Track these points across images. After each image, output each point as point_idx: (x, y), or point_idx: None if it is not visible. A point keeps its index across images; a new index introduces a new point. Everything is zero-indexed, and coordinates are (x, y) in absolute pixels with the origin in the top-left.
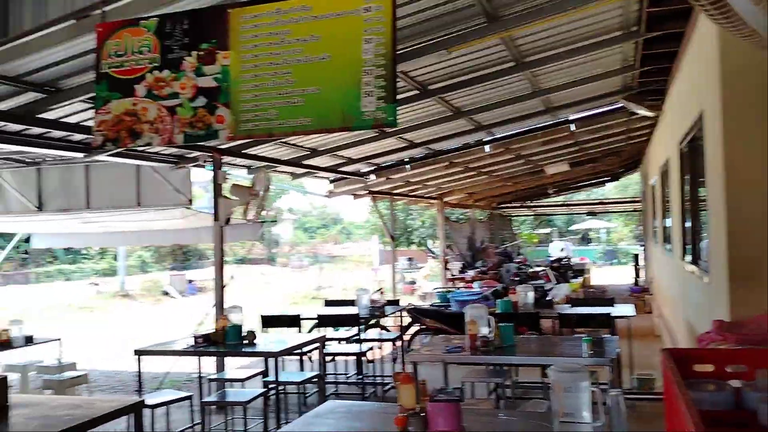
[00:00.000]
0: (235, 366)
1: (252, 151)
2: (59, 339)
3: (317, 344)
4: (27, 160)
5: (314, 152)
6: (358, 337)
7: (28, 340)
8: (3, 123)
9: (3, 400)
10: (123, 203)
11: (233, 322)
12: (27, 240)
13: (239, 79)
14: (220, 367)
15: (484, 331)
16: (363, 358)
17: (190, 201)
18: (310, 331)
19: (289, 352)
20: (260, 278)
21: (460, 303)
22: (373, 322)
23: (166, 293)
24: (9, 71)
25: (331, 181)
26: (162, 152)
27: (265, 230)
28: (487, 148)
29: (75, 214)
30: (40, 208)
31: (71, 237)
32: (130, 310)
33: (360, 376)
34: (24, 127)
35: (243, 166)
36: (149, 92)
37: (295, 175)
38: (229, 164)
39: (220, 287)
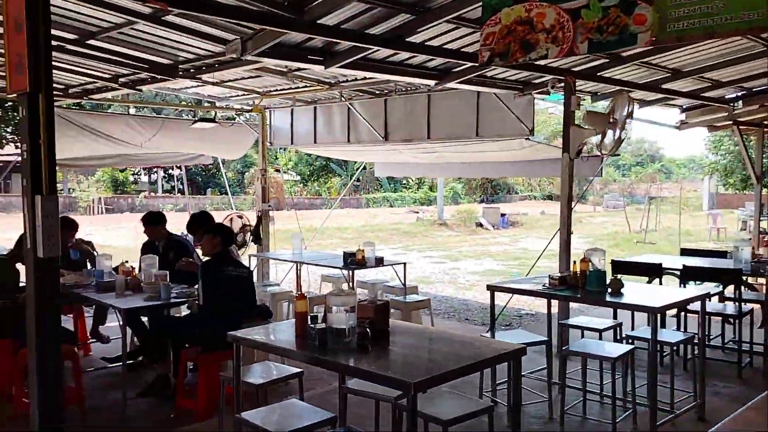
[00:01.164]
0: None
1: (606, 73)
2: (405, 263)
3: (698, 301)
4: (377, 91)
5: (676, 74)
6: (737, 296)
7: (379, 261)
8: (374, 48)
9: (385, 325)
10: (462, 133)
11: (594, 266)
12: (363, 168)
13: None
14: (564, 312)
15: None
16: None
17: (531, 131)
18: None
19: (673, 307)
20: (572, 217)
21: None
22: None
23: (479, 225)
24: None
25: (684, 110)
26: (508, 78)
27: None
28: None
29: (416, 144)
30: (386, 137)
31: (410, 167)
32: (449, 238)
33: (736, 342)
34: (389, 53)
35: (588, 92)
36: None
37: (643, 103)
38: (579, 90)
39: (566, 226)
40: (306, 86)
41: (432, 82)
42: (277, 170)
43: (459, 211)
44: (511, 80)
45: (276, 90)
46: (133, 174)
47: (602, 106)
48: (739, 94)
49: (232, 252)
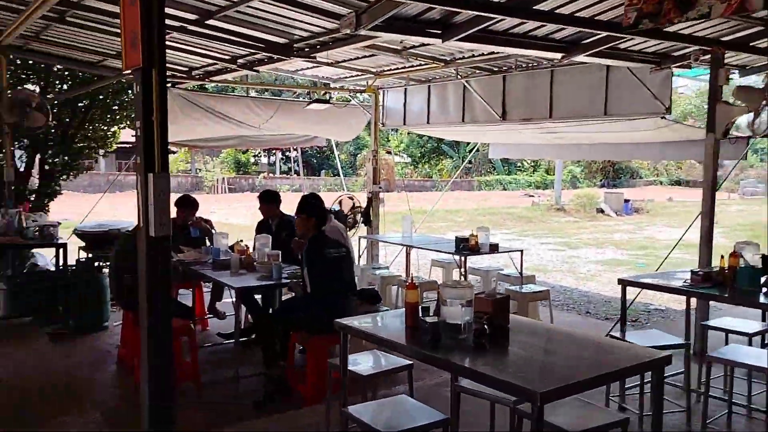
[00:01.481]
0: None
1: (761, 43)
2: (522, 251)
3: None
4: (494, 68)
5: None
6: None
7: (493, 248)
8: (497, 17)
9: (505, 321)
10: (588, 112)
11: (747, 261)
12: (475, 150)
13: None
14: (703, 312)
15: None
16: None
17: (668, 109)
18: None
19: None
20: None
21: None
22: None
23: (601, 210)
24: None
25: None
26: (644, 50)
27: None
28: None
29: (536, 123)
30: (503, 117)
31: (528, 148)
32: (567, 224)
33: None
34: (513, 24)
35: (735, 65)
36: None
37: None
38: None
39: (710, 215)
40: (420, 64)
41: (558, 56)
42: (389, 152)
43: (578, 195)
44: (648, 53)
45: (390, 69)
46: (254, 156)
47: (754, 80)
48: None
49: (336, 229)
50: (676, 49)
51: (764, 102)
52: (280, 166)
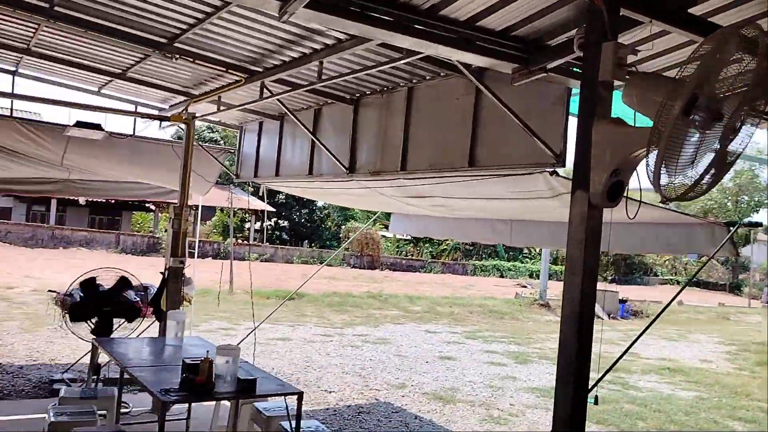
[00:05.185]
0: None
1: None
2: (299, 393)
3: None
4: (345, 93)
5: None
6: None
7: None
8: None
9: None
10: (449, 162)
11: None
12: None
13: None
14: None
15: None
16: None
17: (558, 158)
18: None
19: None
20: (717, 311)
21: None
22: None
23: None
24: None
25: None
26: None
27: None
28: None
29: (387, 179)
30: (351, 168)
31: (430, 223)
32: (541, 325)
33: None
34: None
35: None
36: None
37: None
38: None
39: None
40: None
41: None
42: (385, 226)
43: None
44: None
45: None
46: (246, 220)
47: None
48: None
49: None
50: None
51: (668, 110)
52: (266, 232)
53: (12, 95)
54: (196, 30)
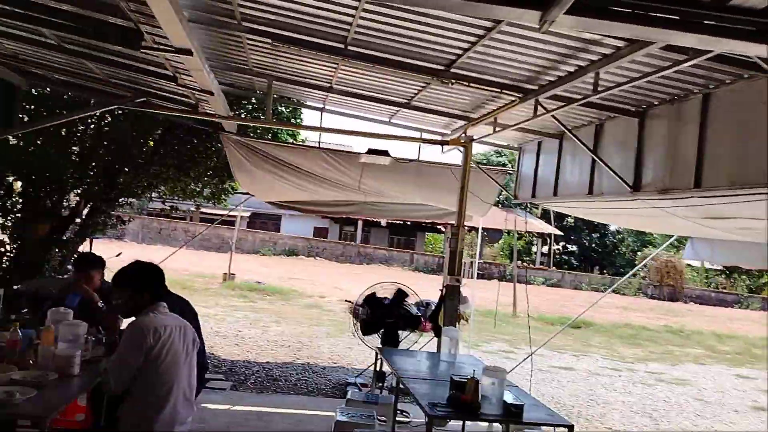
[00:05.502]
0: None
1: None
2: None
3: None
4: (629, 105)
5: None
6: None
7: None
8: None
9: None
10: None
11: None
12: None
13: None
14: None
15: None
16: None
17: None
18: None
19: None
20: None
21: None
22: None
23: None
24: None
25: None
26: None
27: None
28: None
29: (678, 196)
30: (636, 187)
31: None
32: None
33: None
34: None
35: None
36: None
37: None
38: None
39: None
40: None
41: None
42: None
43: None
44: None
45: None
46: (531, 243)
47: None
48: None
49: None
50: None
51: None
52: (554, 256)
53: (320, 128)
54: (470, 54)
